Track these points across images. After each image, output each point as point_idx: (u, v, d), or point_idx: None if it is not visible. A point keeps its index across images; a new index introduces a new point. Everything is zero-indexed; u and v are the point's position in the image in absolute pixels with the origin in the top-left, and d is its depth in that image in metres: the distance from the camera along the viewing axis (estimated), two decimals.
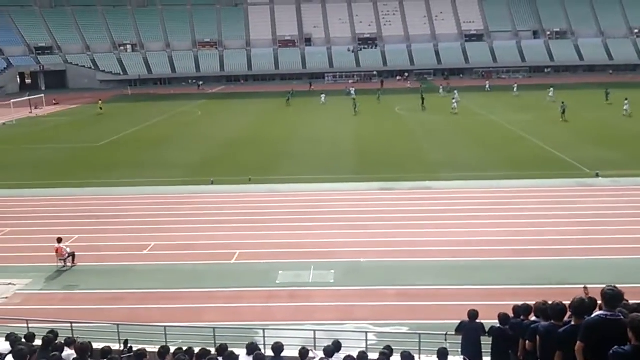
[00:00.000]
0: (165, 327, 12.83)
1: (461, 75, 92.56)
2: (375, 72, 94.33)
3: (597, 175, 28.99)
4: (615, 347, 5.78)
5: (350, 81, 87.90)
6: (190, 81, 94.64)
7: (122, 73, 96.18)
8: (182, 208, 25.94)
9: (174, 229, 22.91)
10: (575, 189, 27.20)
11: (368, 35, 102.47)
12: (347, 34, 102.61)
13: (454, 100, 55.57)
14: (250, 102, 69.14)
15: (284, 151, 38.35)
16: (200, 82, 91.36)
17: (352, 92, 64.90)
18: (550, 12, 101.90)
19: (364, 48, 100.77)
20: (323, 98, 63.96)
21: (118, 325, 12.77)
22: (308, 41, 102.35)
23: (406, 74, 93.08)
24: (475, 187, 28.01)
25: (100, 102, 63.47)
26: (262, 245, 20.85)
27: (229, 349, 9.94)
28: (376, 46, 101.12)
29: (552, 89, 61.94)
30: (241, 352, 10.11)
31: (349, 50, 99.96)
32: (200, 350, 9.92)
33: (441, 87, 71.40)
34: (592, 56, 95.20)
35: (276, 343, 10.14)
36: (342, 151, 37.74)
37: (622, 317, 6.39)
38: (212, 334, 12.50)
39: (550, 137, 39.65)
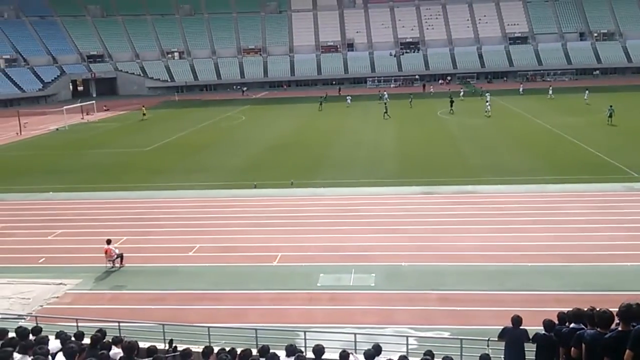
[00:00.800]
0: (209, 327, 13.09)
1: (505, 79, 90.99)
2: (417, 76, 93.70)
3: None
4: None
5: (391, 85, 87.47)
6: (234, 87, 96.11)
7: (169, 80, 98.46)
8: (226, 211, 26.41)
9: (218, 232, 23.37)
10: (623, 194, 26.43)
11: (410, 40, 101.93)
12: (390, 39, 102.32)
13: (487, 104, 54.79)
14: (292, 107, 69.73)
15: (325, 155, 38.54)
16: (245, 88, 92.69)
17: (385, 96, 64.79)
18: (597, 13, 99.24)
19: (406, 52, 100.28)
20: (349, 100, 66.71)
21: (163, 325, 13.10)
22: (350, 46, 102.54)
23: (449, 78, 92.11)
24: (519, 191, 27.55)
25: (143, 108, 65.13)
26: (304, 248, 21.05)
27: (271, 351, 10.09)
28: (418, 50, 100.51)
29: (587, 91, 60.36)
30: (282, 354, 10.25)
31: (391, 54, 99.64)
32: (242, 350, 10.09)
33: (462, 90, 70.21)
34: None
35: (317, 345, 10.20)
36: (383, 155, 37.68)
37: None
38: (254, 335, 12.69)
39: (596, 140, 38.63)
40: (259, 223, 24.25)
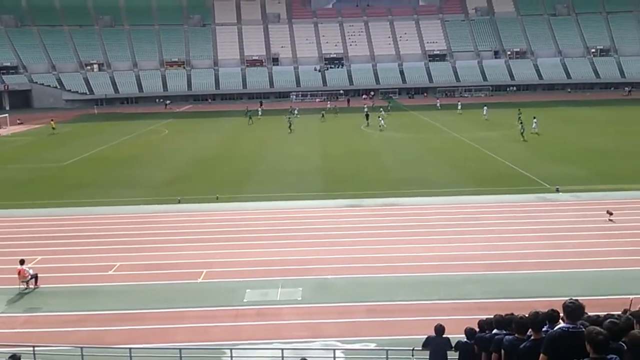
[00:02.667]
0: (130, 349, 12.65)
1: (425, 94, 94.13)
2: (341, 91, 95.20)
3: (558, 191, 29.78)
4: (576, 357, 5.96)
5: (317, 99, 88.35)
6: (157, 100, 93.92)
7: (88, 92, 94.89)
8: (149, 227, 25.64)
9: (140, 249, 22.62)
10: (537, 204, 27.86)
11: (334, 55, 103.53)
12: (314, 54, 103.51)
13: (380, 119, 57.04)
14: (217, 120, 68.96)
15: (251, 169, 38.33)
16: (168, 101, 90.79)
17: (296, 112, 67.65)
18: (510, 32, 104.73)
19: (331, 67, 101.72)
20: (260, 112, 70.17)
21: (82, 348, 12.54)
22: (275, 60, 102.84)
23: (372, 93, 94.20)
24: (441, 203, 28.46)
25: (52, 122, 62.12)
26: (229, 264, 20.75)
27: None
28: (342, 65, 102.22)
29: (485, 107, 62.69)
30: None
31: (315, 69, 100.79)
32: None
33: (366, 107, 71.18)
34: (550, 75, 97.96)
35: None
36: (309, 168, 37.91)
37: (583, 329, 6.58)
38: (179, 355, 12.36)
39: (510, 153, 40.58)
40: (183, 239, 23.70)
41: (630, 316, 6.53)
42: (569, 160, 37.78)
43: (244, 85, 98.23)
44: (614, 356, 5.72)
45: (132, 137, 55.86)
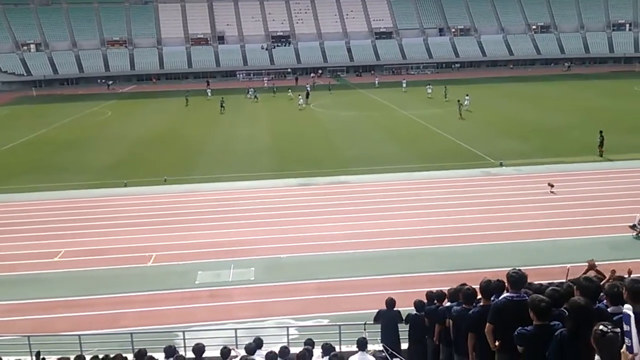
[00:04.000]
0: (79, 335, 12.38)
1: (372, 72, 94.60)
2: (289, 70, 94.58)
3: (501, 165, 30.67)
4: (519, 327, 6.20)
5: (264, 79, 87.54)
6: (99, 81, 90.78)
7: (25, 74, 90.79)
8: (94, 212, 24.98)
9: (86, 234, 22.05)
10: (481, 178, 28.63)
11: (281, 33, 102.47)
12: (260, 32, 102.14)
13: (300, 99, 57.42)
14: (163, 101, 67.34)
15: (200, 150, 37.76)
16: (110, 82, 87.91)
17: (251, 92, 65.89)
18: (454, 10, 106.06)
19: (278, 46, 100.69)
20: (209, 92, 66.89)
21: (29, 336, 12.18)
22: (221, 39, 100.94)
23: (319, 71, 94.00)
24: (389, 179, 28.84)
25: None
26: (180, 247, 20.50)
27: (148, 354, 9.74)
28: (289, 44, 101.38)
29: (429, 85, 62.47)
30: (161, 356, 9.94)
31: (262, 48, 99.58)
32: (114, 356, 9.63)
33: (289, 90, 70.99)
34: (493, 52, 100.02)
35: (197, 344, 10.04)
36: (258, 148, 37.66)
37: (526, 298, 6.84)
38: (130, 340, 12.18)
39: (456, 129, 41.40)
40: (131, 223, 23.23)
41: (570, 283, 6.81)
42: (512, 135, 38.87)
43: (189, 64, 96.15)
44: (557, 322, 5.97)
45: (74, 120, 53.97)
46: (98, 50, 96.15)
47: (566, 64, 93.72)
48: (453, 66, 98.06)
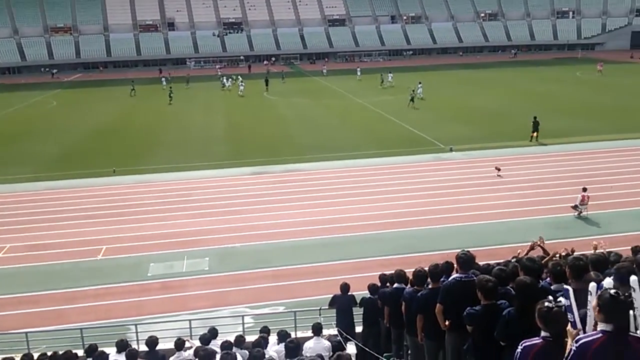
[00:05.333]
0: (26, 333, 12.00)
1: (326, 59, 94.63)
2: (242, 57, 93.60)
3: (451, 150, 31.26)
4: (468, 308, 6.34)
5: (217, 66, 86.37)
6: (42, 69, 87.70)
7: None
8: (41, 205, 24.19)
9: (32, 229, 21.34)
10: (432, 164, 29.11)
11: (233, 20, 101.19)
12: (212, 19, 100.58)
13: (240, 83, 57.81)
14: (111, 90, 65.57)
15: (151, 140, 37.00)
16: (54, 71, 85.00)
17: (225, 79, 63.67)
18: None
19: (230, 33, 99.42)
20: (164, 81, 65.25)
21: None
22: (171, 26, 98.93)
23: (273, 59, 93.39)
24: (343, 166, 28.99)
25: None
26: (131, 239, 20.11)
27: (100, 349, 9.53)
28: (242, 31, 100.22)
29: (390, 73, 62.40)
30: (113, 351, 9.75)
31: (214, 34, 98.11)
32: (63, 353, 9.39)
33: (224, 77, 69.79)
34: (444, 39, 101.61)
35: (150, 337, 9.90)
36: (211, 137, 37.19)
37: (475, 278, 7.00)
38: (80, 335, 11.89)
39: (409, 116, 41.90)
40: (80, 216, 22.61)
41: (516, 263, 7.01)
42: (461, 121, 39.61)
43: (138, 51, 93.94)
44: (504, 301, 6.13)
45: (16, 110, 51.97)
46: (41, 38, 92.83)
47: (513, 50, 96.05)
48: (405, 53, 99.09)
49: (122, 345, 9.70)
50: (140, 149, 34.64)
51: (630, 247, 9.68)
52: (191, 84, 65.38)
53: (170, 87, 55.73)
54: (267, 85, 60.28)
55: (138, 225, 21.44)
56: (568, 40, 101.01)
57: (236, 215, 22.10)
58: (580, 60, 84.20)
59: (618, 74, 63.60)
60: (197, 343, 10.01)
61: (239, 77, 63.05)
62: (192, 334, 12.06)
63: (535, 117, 33.25)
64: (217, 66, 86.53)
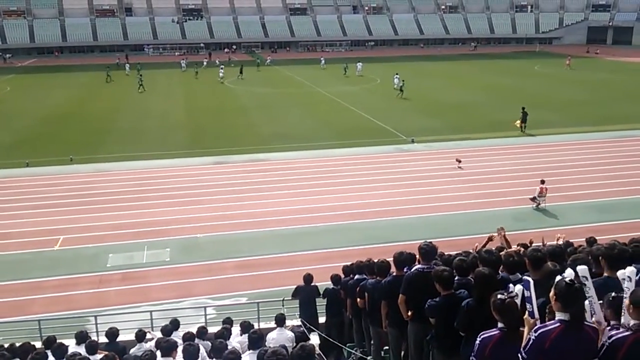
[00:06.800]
0: None
1: (287, 49, 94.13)
2: (202, 45, 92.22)
3: (413, 142, 31.63)
4: (429, 300, 6.47)
5: (176, 53, 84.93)
6: None
7: None
8: None
9: None
10: (394, 155, 29.41)
11: (193, 6, 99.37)
12: (171, 4, 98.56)
13: (221, 71, 57.76)
14: (67, 76, 63.67)
15: (110, 128, 36.19)
16: (8, 55, 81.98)
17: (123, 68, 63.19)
18: None
19: (189, 19, 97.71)
20: (128, 67, 63.86)
21: None
22: (128, 10, 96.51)
23: (234, 47, 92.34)
24: (305, 157, 29.01)
25: None
26: (89, 229, 19.71)
27: (58, 341, 9.33)
28: (202, 17, 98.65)
29: (360, 63, 62.69)
30: (72, 343, 9.57)
31: (173, 21, 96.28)
32: (21, 345, 9.17)
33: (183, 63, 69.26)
34: (405, 31, 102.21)
35: (110, 328, 9.77)
36: (172, 125, 36.63)
37: None
38: (38, 327, 11.64)
39: (371, 107, 42.12)
40: (35, 205, 22.01)
41: (476, 254, 7.17)
42: (423, 113, 40.08)
43: (95, 37, 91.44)
44: (463, 290, 6.28)
45: None
46: None
47: (473, 43, 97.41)
48: (367, 44, 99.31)
49: (82, 337, 9.53)
50: (98, 136, 33.84)
51: (584, 239, 10.03)
52: (151, 71, 64.06)
53: (141, 75, 54.15)
54: (241, 72, 60.16)
55: (96, 215, 21.01)
56: (526, 34, 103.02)
57: (198, 206, 21.89)
58: (539, 54, 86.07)
59: (579, 68, 65.19)
60: (159, 334, 9.92)
61: (222, 65, 62.65)
62: (154, 325, 11.96)
63: (523, 108, 34.07)
64: (176, 53, 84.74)
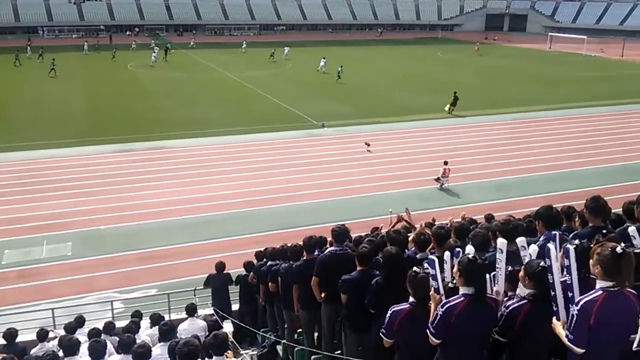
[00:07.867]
0: None
1: (194, 32, 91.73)
2: (102, 27, 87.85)
3: (323, 126, 31.89)
4: (343, 275, 6.54)
5: (73, 36, 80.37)
6: None
7: None
8: None
9: None
10: (304, 140, 29.52)
11: None
12: None
13: (154, 54, 56.79)
14: None
15: (1, 115, 33.72)
16: None
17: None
18: None
19: (87, 0, 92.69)
20: (29, 50, 59.54)
21: None
22: None
23: (137, 29, 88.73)
24: (213, 143, 28.49)
25: None
26: None
27: None
28: None
29: (287, 48, 62.76)
30: None
31: (69, 2, 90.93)
32: None
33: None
34: (314, 15, 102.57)
35: (8, 329, 9.24)
36: (69, 112, 34.63)
37: (349, 250, 7.24)
38: None
39: (281, 92, 41.98)
40: None
41: (384, 234, 7.34)
42: (333, 97, 40.46)
43: None
44: (377, 271, 6.40)
45: None
46: None
47: (379, 29, 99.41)
48: (275, 28, 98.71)
49: None
50: None
51: (483, 215, 10.54)
52: (48, 55, 60.27)
53: (53, 59, 50.29)
54: (166, 54, 59.33)
55: None
56: (429, 20, 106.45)
57: (100, 196, 20.90)
58: (441, 40, 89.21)
59: (484, 54, 68.22)
60: (62, 332, 9.43)
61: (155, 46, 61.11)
62: (56, 323, 11.34)
63: (455, 93, 35.75)
64: (73, 36, 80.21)
